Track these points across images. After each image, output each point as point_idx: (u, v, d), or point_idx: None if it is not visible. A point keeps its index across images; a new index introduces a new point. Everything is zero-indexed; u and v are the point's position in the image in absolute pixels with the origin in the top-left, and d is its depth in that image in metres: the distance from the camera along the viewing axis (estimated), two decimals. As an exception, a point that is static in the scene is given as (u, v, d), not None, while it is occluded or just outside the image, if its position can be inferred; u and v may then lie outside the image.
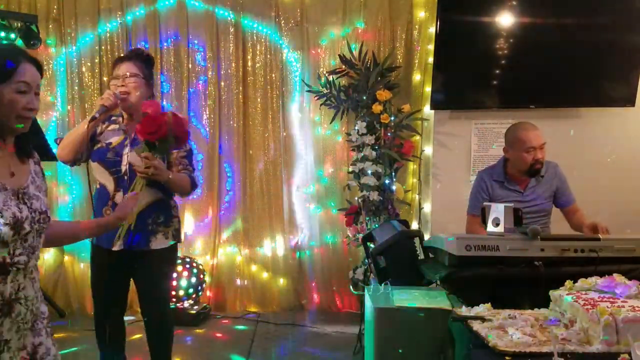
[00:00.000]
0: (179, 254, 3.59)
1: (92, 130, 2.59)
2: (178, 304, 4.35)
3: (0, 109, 1.63)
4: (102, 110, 2.51)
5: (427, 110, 4.41)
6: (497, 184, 3.06)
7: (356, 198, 4.36)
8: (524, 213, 2.50)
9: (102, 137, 2.64)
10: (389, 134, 4.28)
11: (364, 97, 4.27)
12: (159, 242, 2.66)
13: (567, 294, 1.74)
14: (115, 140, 2.62)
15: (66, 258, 4.71)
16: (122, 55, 2.81)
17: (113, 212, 2.14)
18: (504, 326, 1.68)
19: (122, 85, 2.59)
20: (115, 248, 2.60)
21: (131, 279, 2.79)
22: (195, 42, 4.65)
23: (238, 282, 4.77)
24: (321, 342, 4.01)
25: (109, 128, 2.66)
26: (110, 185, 2.60)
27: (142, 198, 2.51)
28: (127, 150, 2.60)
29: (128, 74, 2.60)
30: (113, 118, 2.69)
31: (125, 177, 2.57)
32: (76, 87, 4.61)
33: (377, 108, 4.19)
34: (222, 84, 4.67)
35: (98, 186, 2.66)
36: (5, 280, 1.63)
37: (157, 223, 2.65)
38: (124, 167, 2.58)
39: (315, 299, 4.77)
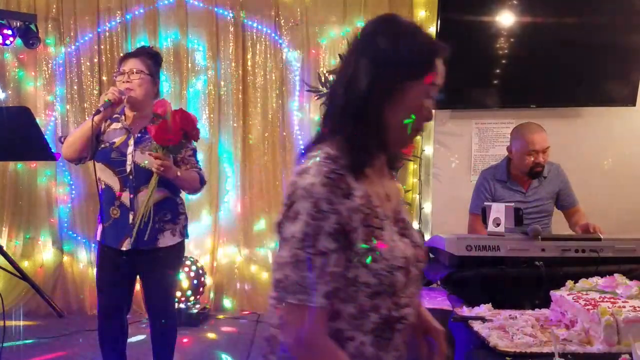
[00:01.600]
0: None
1: (98, 126, 2.58)
2: (178, 304, 4.34)
3: (399, 112, 1.17)
4: (107, 104, 2.50)
5: (427, 109, 4.40)
6: (499, 183, 3.06)
7: (356, 198, 4.35)
8: (526, 213, 2.50)
9: (105, 136, 2.63)
10: (389, 133, 4.27)
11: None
12: (166, 240, 2.65)
13: (568, 294, 1.74)
14: (118, 139, 2.61)
15: (65, 258, 4.70)
16: (128, 52, 2.80)
17: None
18: (504, 326, 1.67)
19: (127, 82, 2.59)
20: (124, 247, 2.59)
21: (136, 278, 2.78)
22: (195, 41, 4.65)
23: (238, 282, 4.76)
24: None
25: (112, 127, 2.65)
26: (115, 185, 2.59)
27: (150, 197, 2.54)
28: (131, 149, 2.59)
29: (134, 70, 2.59)
30: (115, 116, 2.68)
31: (131, 177, 2.56)
32: (75, 87, 4.61)
33: (377, 108, 4.18)
34: (222, 83, 4.66)
35: (103, 186, 2.64)
36: (389, 342, 1.18)
37: (165, 221, 2.64)
38: (128, 167, 2.57)
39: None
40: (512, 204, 2.41)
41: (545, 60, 3.99)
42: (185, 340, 3.99)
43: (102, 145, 2.61)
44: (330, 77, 4.42)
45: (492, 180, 3.08)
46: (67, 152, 2.62)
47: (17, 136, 3.76)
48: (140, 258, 2.62)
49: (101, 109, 2.50)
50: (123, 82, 2.59)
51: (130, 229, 2.55)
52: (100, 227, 2.67)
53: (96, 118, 2.50)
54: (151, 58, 2.69)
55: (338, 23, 4.58)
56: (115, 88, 2.56)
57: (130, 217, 2.56)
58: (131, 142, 2.59)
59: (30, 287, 4.26)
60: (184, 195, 2.81)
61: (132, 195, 2.56)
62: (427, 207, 4.48)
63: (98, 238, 2.69)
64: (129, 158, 2.57)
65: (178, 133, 2.47)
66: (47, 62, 4.62)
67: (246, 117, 4.69)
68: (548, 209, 3.05)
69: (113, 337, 2.73)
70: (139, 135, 2.61)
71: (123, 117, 2.67)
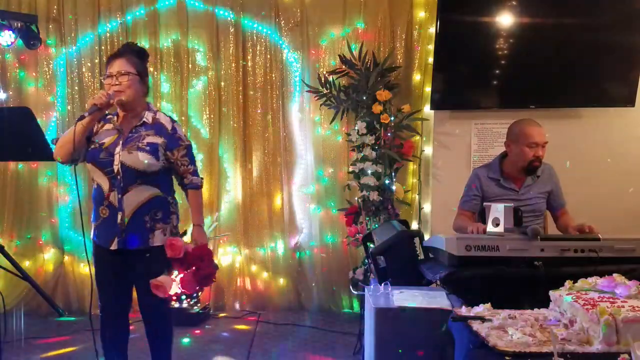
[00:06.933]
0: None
1: (88, 129, 2.58)
2: (178, 304, 4.35)
3: None
4: (93, 109, 2.50)
5: (427, 110, 4.41)
6: (492, 181, 3.06)
7: (356, 198, 4.36)
8: (519, 212, 2.50)
9: (96, 137, 2.64)
10: (389, 134, 4.28)
11: (364, 97, 4.27)
12: (156, 239, 2.64)
13: (567, 294, 1.74)
14: (108, 140, 2.62)
15: (66, 258, 4.71)
16: (114, 52, 2.78)
17: None
18: (504, 326, 1.68)
19: (116, 84, 2.59)
20: (113, 247, 2.60)
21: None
22: (195, 42, 4.66)
23: (238, 282, 4.77)
24: (321, 342, 4.01)
25: (104, 128, 2.66)
26: (105, 185, 2.60)
27: (137, 196, 2.56)
28: (119, 149, 2.58)
29: (122, 71, 2.59)
30: (108, 117, 2.69)
31: (118, 177, 2.57)
32: (76, 87, 4.62)
33: (377, 108, 4.20)
34: (222, 84, 4.67)
35: (95, 186, 2.66)
36: None
37: (155, 220, 2.63)
38: (116, 167, 2.57)
39: (315, 299, 4.76)
40: (511, 204, 2.42)
41: (545, 60, 4.00)
42: (185, 340, 4.00)
43: (92, 146, 2.62)
44: (331, 78, 4.44)
45: (484, 178, 3.08)
46: (57, 154, 2.63)
47: (18, 136, 3.77)
48: (131, 257, 2.63)
49: (86, 114, 2.49)
50: (112, 85, 2.59)
51: (118, 228, 2.57)
52: (93, 226, 2.69)
53: (83, 122, 2.51)
54: (137, 55, 2.68)
55: (338, 24, 4.59)
56: (103, 92, 2.55)
57: (119, 217, 2.57)
58: (120, 141, 2.60)
59: (31, 286, 4.26)
60: (178, 196, 2.81)
61: (120, 196, 2.56)
62: (427, 208, 4.49)
63: (91, 236, 2.71)
64: (116, 158, 2.57)
65: (194, 284, 2.68)
66: (48, 62, 4.63)
67: (246, 117, 4.70)
68: (540, 208, 3.06)
69: (114, 335, 2.74)
70: (129, 134, 2.62)
71: (115, 117, 2.68)
